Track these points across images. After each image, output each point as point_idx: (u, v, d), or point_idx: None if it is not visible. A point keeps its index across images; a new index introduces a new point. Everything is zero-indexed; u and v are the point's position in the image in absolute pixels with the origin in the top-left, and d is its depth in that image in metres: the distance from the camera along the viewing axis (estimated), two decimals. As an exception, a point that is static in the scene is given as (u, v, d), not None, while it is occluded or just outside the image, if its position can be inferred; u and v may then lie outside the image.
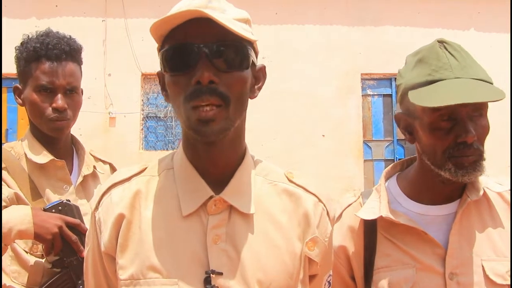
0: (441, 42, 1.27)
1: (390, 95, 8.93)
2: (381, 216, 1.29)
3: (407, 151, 8.80)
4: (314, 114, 8.56)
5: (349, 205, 1.41)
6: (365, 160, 8.78)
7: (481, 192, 1.29)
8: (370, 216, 1.31)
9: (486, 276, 1.22)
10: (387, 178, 1.42)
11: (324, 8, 8.84)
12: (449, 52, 1.24)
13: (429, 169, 1.28)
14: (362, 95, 8.92)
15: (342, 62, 8.74)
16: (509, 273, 1.23)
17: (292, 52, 8.61)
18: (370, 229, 1.33)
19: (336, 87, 8.71)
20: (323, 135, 8.62)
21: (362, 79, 8.88)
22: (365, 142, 8.85)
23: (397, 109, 1.36)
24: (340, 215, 1.39)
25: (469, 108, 1.20)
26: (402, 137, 8.95)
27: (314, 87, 8.60)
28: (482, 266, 1.23)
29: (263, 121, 7.91)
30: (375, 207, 1.32)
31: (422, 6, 8.82)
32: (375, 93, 9.02)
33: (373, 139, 8.95)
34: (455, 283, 1.22)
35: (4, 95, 8.24)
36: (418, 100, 1.20)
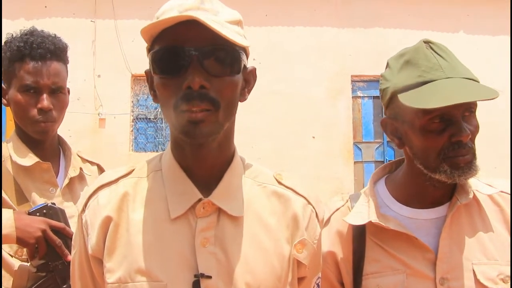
0: (427, 42, 1.25)
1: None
2: (370, 221, 1.27)
3: (397, 153, 8.82)
4: (304, 116, 8.56)
5: (337, 209, 1.38)
6: (355, 162, 8.79)
7: (471, 195, 1.27)
8: (358, 221, 1.29)
9: (477, 281, 1.21)
10: (375, 180, 1.40)
11: (314, 10, 8.85)
12: (436, 52, 1.23)
13: (419, 173, 1.26)
14: (352, 97, 8.93)
15: (332, 64, 8.75)
16: (501, 277, 1.21)
17: (283, 54, 8.61)
18: (359, 234, 1.30)
19: (326, 89, 8.72)
20: (314, 137, 8.62)
21: (352, 80, 8.90)
22: (355, 144, 8.87)
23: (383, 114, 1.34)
24: (328, 220, 1.37)
25: (462, 107, 1.18)
26: (392, 138, 9.00)
27: (304, 89, 8.60)
28: (473, 270, 1.21)
29: (253, 123, 7.90)
30: (364, 212, 1.30)
31: (412, 9, 8.86)
32: (365, 95, 9.04)
33: (363, 140, 8.96)
34: None
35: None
36: (412, 103, 1.17)
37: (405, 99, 1.20)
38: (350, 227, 1.32)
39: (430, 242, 1.25)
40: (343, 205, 1.38)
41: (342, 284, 1.34)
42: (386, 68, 1.33)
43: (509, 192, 1.32)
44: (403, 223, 1.27)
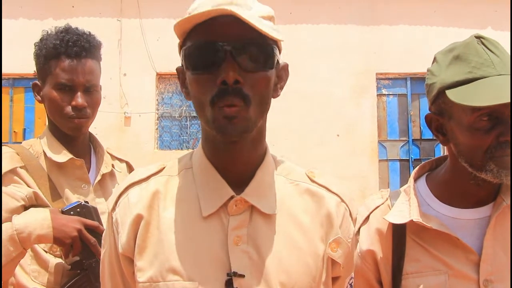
0: (478, 37, 1.21)
1: (405, 95, 8.84)
2: (411, 220, 1.24)
3: (422, 151, 8.71)
4: (328, 114, 8.51)
5: (377, 207, 1.35)
6: (379, 160, 8.70)
7: None
8: (399, 220, 1.26)
9: None
10: (416, 178, 1.36)
11: (339, 8, 8.78)
12: (487, 48, 1.18)
13: (464, 171, 1.23)
14: (377, 95, 8.84)
15: (357, 62, 8.67)
16: None
17: (307, 52, 8.56)
18: (399, 232, 1.27)
19: (351, 87, 8.66)
20: (338, 135, 8.56)
21: (377, 78, 8.81)
22: (379, 142, 8.78)
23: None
24: (367, 218, 1.34)
25: None
26: (417, 137, 8.91)
27: (329, 87, 8.55)
28: None
29: (277, 121, 7.87)
30: (405, 210, 1.27)
31: (437, 5, 8.71)
32: (390, 93, 8.93)
33: (388, 139, 8.86)
34: None
35: (21, 95, 8.37)
36: (461, 100, 1.14)
37: (453, 95, 1.16)
38: (390, 225, 1.29)
39: (473, 243, 1.22)
40: (382, 203, 1.35)
41: (380, 283, 1.32)
42: (433, 62, 1.30)
43: None
44: (445, 223, 1.23)
